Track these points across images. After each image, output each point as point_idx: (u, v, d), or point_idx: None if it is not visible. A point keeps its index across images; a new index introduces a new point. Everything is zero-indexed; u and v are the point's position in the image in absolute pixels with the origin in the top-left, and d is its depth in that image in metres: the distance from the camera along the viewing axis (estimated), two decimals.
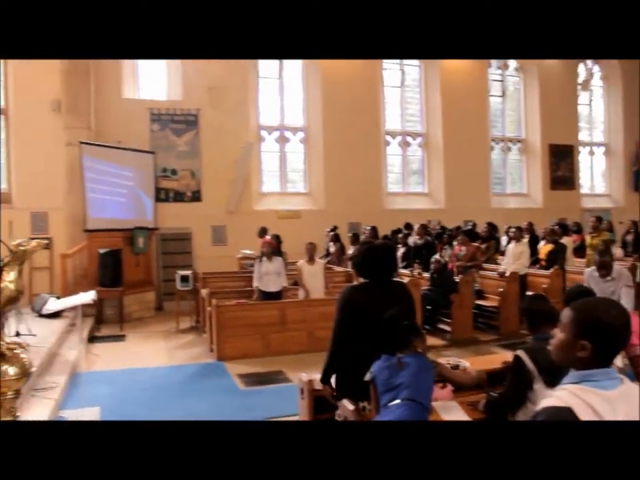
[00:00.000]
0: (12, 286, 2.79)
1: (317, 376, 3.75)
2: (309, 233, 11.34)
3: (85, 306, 6.09)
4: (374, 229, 11.24)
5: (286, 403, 5.64)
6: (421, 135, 15.66)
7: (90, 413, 5.71)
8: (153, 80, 13.12)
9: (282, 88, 14.32)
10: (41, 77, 11.32)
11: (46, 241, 3.91)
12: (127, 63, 12.68)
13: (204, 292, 9.19)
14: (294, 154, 14.51)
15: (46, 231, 11.84)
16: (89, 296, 5.38)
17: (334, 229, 11.94)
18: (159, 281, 12.37)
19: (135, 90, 12.90)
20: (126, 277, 10.59)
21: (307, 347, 8.02)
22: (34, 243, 2.95)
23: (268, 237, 10.27)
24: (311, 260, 8.86)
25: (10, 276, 2.80)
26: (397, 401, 2.99)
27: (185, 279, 10.13)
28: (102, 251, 10.21)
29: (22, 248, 2.91)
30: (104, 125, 11.92)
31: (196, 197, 12.84)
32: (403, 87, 15.53)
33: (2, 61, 12.00)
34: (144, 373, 7.43)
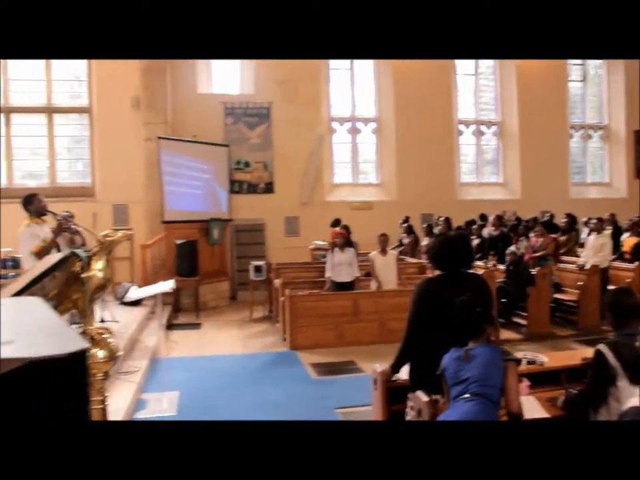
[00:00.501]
0: (100, 274, 2.94)
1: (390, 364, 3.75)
2: (381, 224, 11.29)
3: (163, 294, 6.31)
4: (448, 221, 11.06)
5: (358, 393, 5.66)
6: (496, 123, 15.26)
7: (169, 397, 5.94)
8: (226, 75, 13.37)
9: (353, 79, 14.28)
10: (122, 76, 11.76)
11: (131, 232, 4.07)
12: (201, 60, 12.97)
13: (277, 282, 9.33)
14: (366, 145, 14.47)
15: (126, 222, 12.31)
16: (168, 285, 5.57)
17: (406, 220, 11.84)
18: (233, 271, 12.65)
19: (209, 85, 13.19)
20: (202, 267, 10.89)
21: (379, 338, 8.01)
22: (120, 233, 3.09)
23: (337, 228, 10.31)
24: (383, 251, 8.83)
25: (98, 265, 2.95)
26: (466, 396, 2.94)
27: (258, 269, 10.32)
28: (179, 241, 10.54)
29: (109, 239, 3.05)
30: (180, 119, 12.27)
31: (269, 188, 13.03)
32: (477, 74, 15.17)
33: (86, 62, 12.56)
34: (219, 360, 7.63)
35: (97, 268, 2.94)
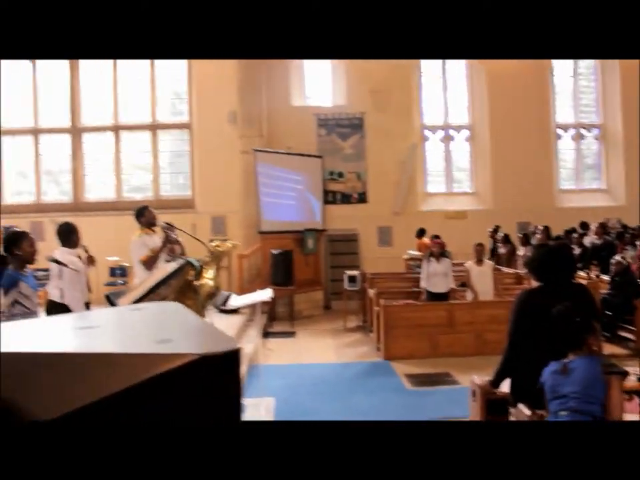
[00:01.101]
0: (211, 282, 3.10)
1: (489, 379, 3.69)
2: (475, 233, 11.09)
3: (261, 303, 6.50)
4: (547, 229, 10.68)
5: (454, 405, 5.59)
6: (597, 126, 14.58)
7: (266, 403, 6.10)
8: (318, 87, 13.61)
9: (445, 86, 14.13)
10: (219, 92, 12.26)
11: (238, 243, 4.26)
12: (294, 73, 13.28)
13: (371, 292, 9.36)
14: (459, 153, 14.25)
15: (224, 233, 12.76)
16: (267, 294, 5.73)
17: (496, 229, 11.54)
18: (327, 280, 12.80)
19: (302, 98, 13.47)
20: (296, 276, 11.08)
21: (475, 350, 7.85)
22: (229, 244, 3.25)
23: (426, 239, 10.20)
24: (479, 261, 8.66)
25: (209, 273, 3.11)
26: (563, 413, 2.82)
27: (352, 279, 10.39)
28: (274, 251, 10.80)
29: (219, 249, 3.21)
30: (275, 132, 12.60)
31: (362, 198, 13.10)
32: (576, 75, 14.58)
33: (187, 80, 13.19)
34: (314, 368, 7.74)
35: (208, 276, 3.10)
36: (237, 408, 0.89)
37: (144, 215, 6.37)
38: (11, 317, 4.16)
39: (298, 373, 7.47)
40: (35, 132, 13.73)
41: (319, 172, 12.72)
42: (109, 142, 13.65)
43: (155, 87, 13.39)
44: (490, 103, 13.55)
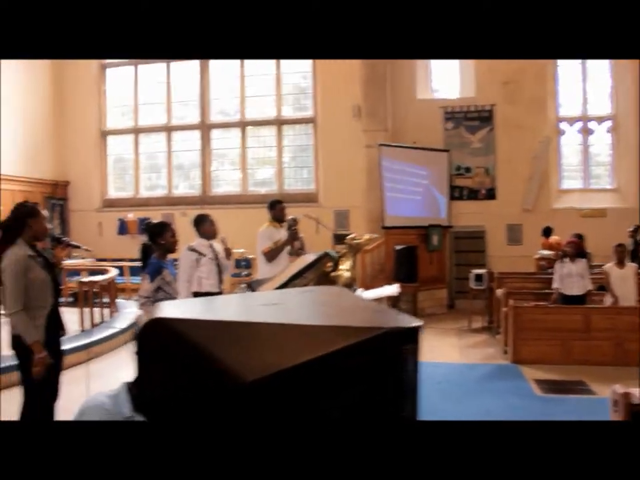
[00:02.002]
0: (347, 274, 3.24)
1: (634, 390, 3.55)
2: (615, 233, 10.50)
3: (387, 298, 6.61)
4: None
5: (588, 415, 5.39)
6: None
7: None
8: (445, 79, 13.45)
9: (585, 74, 13.43)
10: (344, 86, 12.48)
11: (376, 236, 4.38)
12: (420, 65, 13.20)
13: (499, 292, 9.16)
14: (599, 146, 13.51)
15: (347, 227, 12.99)
16: (394, 289, 5.83)
17: (636, 229, 10.85)
18: (451, 278, 12.66)
19: (428, 90, 13.37)
20: (420, 273, 11.07)
21: (613, 359, 7.48)
22: (366, 236, 3.36)
23: (556, 237, 9.79)
24: (620, 263, 8.22)
25: (346, 265, 3.25)
26: None
27: (479, 277, 10.22)
28: (398, 247, 10.84)
29: (356, 241, 3.34)
30: (400, 126, 12.63)
31: (490, 194, 12.81)
32: None
33: (312, 74, 13.55)
34: (438, 367, 7.72)
35: (345, 268, 3.24)
36: (415, 384, 0.98)
37: (275, 208, 6.68)
38: (155, 302, 4.55)
39: (422, 371, 7.46)
40: (168, 129, 14.68)
41: (445, 166, 12.59)
42: (235, 137, 14.32)
43: (280, 83, 13.87)
44: (636, 90, 12.72)
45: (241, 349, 0.87)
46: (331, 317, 1.09)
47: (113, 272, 9.81)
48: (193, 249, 5.09)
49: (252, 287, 3.86)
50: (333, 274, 3.13)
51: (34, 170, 13.98)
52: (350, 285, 3.22)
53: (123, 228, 14.58)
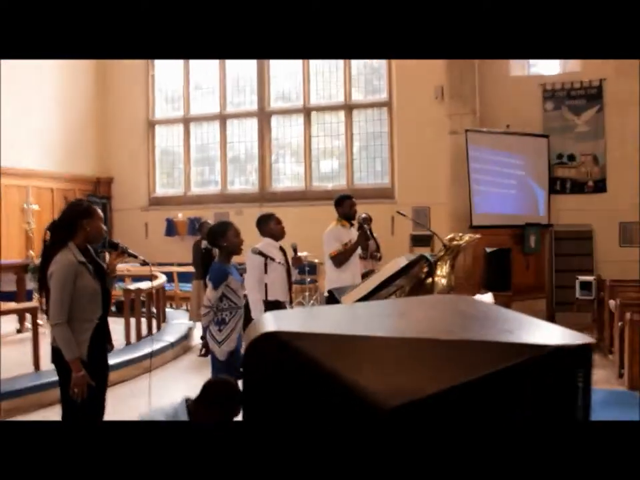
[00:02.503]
0: (444, 281, 3.12)
1: None
2: None
3: None
4: None
5: None
6: None
7: None
8: None
9: None
10: (424, 65, 12.30)
11: (478, 236, 4.25)
12: None
13: (612, 303, 8.82)
14: None
15: (427, 226, 12.80)
16: (487, 299, 5.65)
17: None
18: (551, 287, 12.28)
19: (524, 66, 13.02)
20: (514, 280, 10.76)
21: None
22: (467, 237, 3.24)
23: None
24: None
25: (442, 270, 3.14)
26: None
27: (586, 286, 9.88)
28: (489, 249, 10.57)
29: (455, 242, 3.23)
30: (490, 108, 12.33)
31: (599, 187, 12.34)
32: None
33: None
34: None
35: (441, 274, 3.13)
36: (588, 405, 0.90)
37: (342, 205, 6.60)
38: (219, 311, 4.55)
39: None
40: (222, 117, 14.86)
41: (545, 154, 12.20)
42: (298, 125, 14.35)
43: (349, 62, 13.80)
44: None
45: (373, 367, 0.81)
46: (474, 330, 1.01)
47: (162, 278, 9.96)
48: (259, 252, 5.06)
49: (334, 295, 3.78)
50: (428, 281, 3.01)
51: (75, 165, 14.42)
52: (448, 292, 3.09)
53: (172, 229, 14.85)
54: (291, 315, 1.22)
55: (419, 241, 12.89)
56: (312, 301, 12.47)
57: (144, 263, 4.08)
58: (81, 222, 3.69)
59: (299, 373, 0.85)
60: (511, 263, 10.69)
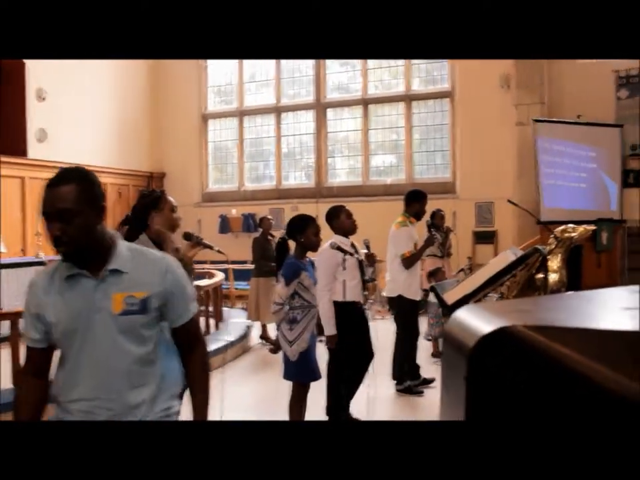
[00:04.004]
0: (555, 276, 2.89)
1: None
2: None
3: None
4: None
5: None
6: None
7: None
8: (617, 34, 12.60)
9: None
10: None
11: (594, 227, 4.01)
12: None
13: None
14: None
15: (491, 222, 12.52)
16: None
17: None
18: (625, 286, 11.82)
19: None
20: (585, 279, 10.39)
21: None
22: (581, 228, 3.02)
23: None
24: None
25: (554, 264, 2.91)
26: None
27: None
28: None
29: (567, 234, 3.00)
30: (559, 97, 11.96)
31: None
32: None
33: None
34: None
35: (552, 268, 2.90)
36: None
37: (419, 202, 6.38)
38: (290, 310, 4.39)
39: None
40: (277, 110, 14.77)
41: (618, 146, 11.75)
42: (355, 118, 14.16)
43: None
44: None
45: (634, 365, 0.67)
46: None
47: (219, 276, 9.88)
48: (338, 247, 4.86)
49: (436, 291, 3.59)
50: (539, 276, 2.78)
51: (128, 160, 14.52)
52: (559, 291, 2.86)
53: (225, 225, 14.80)
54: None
55: (482, 237, 12.59)
56: (371, 300, 12.25)
57: (220, 252, 3.95)
58: (151, 213, 3.59)
59: (546, 369, 0.71)
60: (582, 260, 10.33)
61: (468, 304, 2.08)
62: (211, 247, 3.92)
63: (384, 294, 7.16)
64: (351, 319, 5.07)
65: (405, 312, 6.40)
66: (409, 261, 6.19)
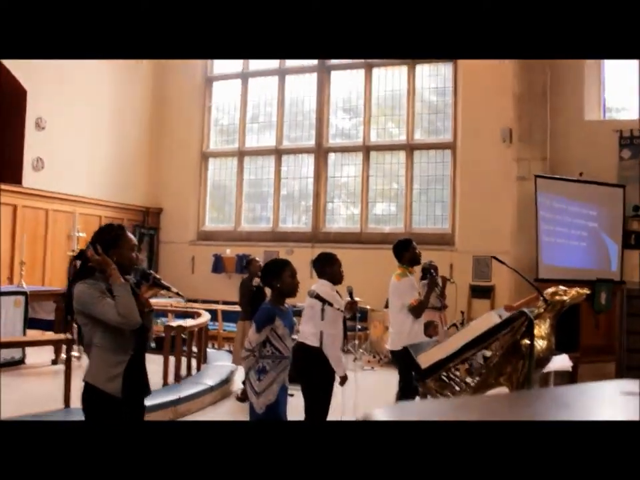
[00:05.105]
0: (542, 344, 2.65)
1: None
2: None
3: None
4: None
5: None
6: None
7: None
8: (622, 94, 12.56)
9: None
10: (492, 103, 11.95)
11: (587, 291, 3.78)
12: (590, 76, 12.40)
13: None
14: None
15: (488, 276, 12.30)
16: (564, 362, 5.11)
17: None
18: (622, 349, 11.55)
19: (600, 109, 12.53)
20: (582, 340, 10.15)
21: None
22: (573, 292, 2.80)
23: None
24: None
25: (542, 330, 2.68)
26: None
27: None
28: None
29: (558, 297, 2.77)
30: (562, 154, 11.85)
31: None
32: None
33: (452, 89, 13.10)
34: None
35: (540, 334, 2.67)
36: None
37: (408, 249, 6.20)
38: (260, 358, 4.13)
39: None
40: (278, 152, 14.68)
41: (619, 206, 11.60)
42: (356, 164, 14.06)
43: (412, 99, 13.50)
44: None
45: None
46: None
47: (205, 316, 9.64)
48: (317, 296, 4.61)
49: (409, 353, 3.36)
50: (524, 341, 2.54)
51: (124, 194, 14.40)
52: (546, 360, 2.61)
53: (219, 265, 14.60)
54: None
55: (479, 292, 12.37)
56: (361, 350, 11.96)
57: (178, 295, 3.72)
58: (110, 251, 3.39)
59: None
60: (579, 321, 10.09)
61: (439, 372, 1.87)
62: (168, 288, 3.68)
63: (387, 347, 6.90)
64: (325, 368, 4.83)
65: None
66: (417, 309, 5.98)
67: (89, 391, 3.43)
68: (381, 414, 0.80)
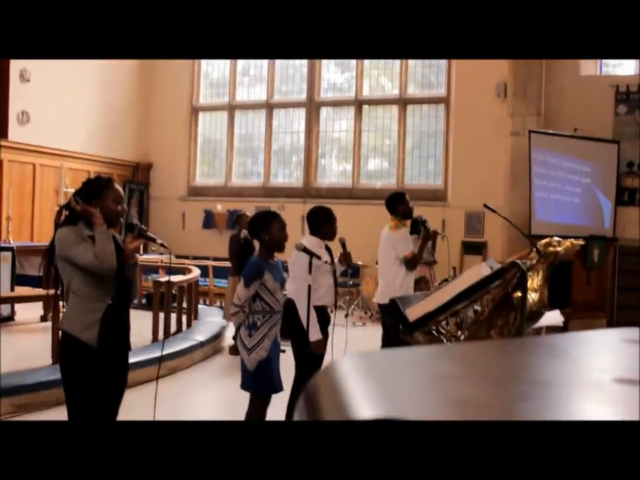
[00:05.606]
0: (534, 296, 2.60)
1: None
2: None
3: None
4: None
5: None
6: None
7: None
8: None
9: None
10: (486, 60, 11.73)
11: (582, 242, 3.71)
12: None
13: None
14: None
15: (480, 233, 12.27)
16: (556, 317, 5.07)
17: None
18: (613, 305, 11.59)
19: (596, 64, 12.37)
20: (574, 296, 10.18)
21: None
22: (567, 242, 2.73)
23: None
24: None
25: (534, 283, 2.62)
26: None
27: None
28: None
29: (552, 249, 2.70)
30: (557, 109, 11.72)
31: None
32: None
33: None
34: None
35: (532, 287, 2.60)
36: None
37: (402, 202, 6.12)
38: (250, 314, 4.07)
39: None
40: (269, 106, 14.47)
41: (614, 162, 11.53)
42: (348, 119, 13.90)
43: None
44: None
45: None
46: None
47: (195, 272, 9.58)
48: (304, 249, 4.51)
49: (397, 305, 3.30)
50: (516, 294, 2.48)
51: (114, 149, 14.21)
52: (539, 313, 2.56)
53: (209, 221, 14.51)
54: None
55: (471, 248, 12.34)
56: (353, 306, 11.96)
57: (162, 246, 3.66)
58: (92, 202, 3.34)
59: None
60: (571, 277, 10.09)
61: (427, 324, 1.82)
62: (153, 240, 3.63)
63: (375, 300, 6.81)
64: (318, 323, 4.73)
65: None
66: (411, 262, 5.91)
67: (65, 340, 3.40)
68: (347, 362, 0.73)
